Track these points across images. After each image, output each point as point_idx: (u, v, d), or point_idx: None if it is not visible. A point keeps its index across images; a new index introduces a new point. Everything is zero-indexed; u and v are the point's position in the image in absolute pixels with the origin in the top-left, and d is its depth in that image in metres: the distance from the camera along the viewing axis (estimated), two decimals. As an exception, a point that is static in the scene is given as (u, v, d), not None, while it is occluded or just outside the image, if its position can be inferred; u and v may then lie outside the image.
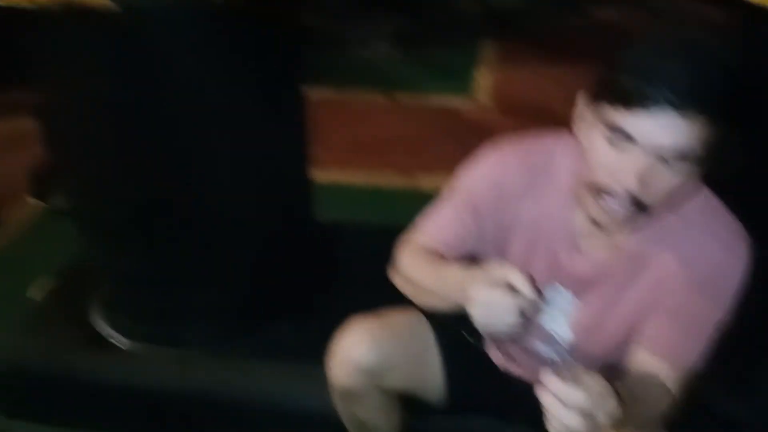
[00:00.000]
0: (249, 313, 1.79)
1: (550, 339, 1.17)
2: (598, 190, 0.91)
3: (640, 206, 0.89)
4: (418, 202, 1.28)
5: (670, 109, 0.81)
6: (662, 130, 0.82)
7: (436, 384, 1.31)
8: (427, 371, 1.30)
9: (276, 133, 1.65)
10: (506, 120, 2.96)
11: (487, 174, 1.12)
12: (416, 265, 1.16)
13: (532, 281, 0.91)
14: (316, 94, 3.44)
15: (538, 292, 0.90)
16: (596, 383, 0.79)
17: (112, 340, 1.79)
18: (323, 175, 2.82)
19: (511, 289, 0.89)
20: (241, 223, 1.67)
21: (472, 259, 1.17)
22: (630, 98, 0.83)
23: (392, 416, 1.38)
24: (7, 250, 2.45)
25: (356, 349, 1.20)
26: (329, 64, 3.57)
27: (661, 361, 1.01)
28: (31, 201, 2.61)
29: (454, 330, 1.28)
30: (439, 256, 1.15)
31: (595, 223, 1.00)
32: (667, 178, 0.87)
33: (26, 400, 1.81)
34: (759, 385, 1.51)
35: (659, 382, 1.00)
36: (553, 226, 1.09)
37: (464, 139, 1.18)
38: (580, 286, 1.09)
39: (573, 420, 0.76)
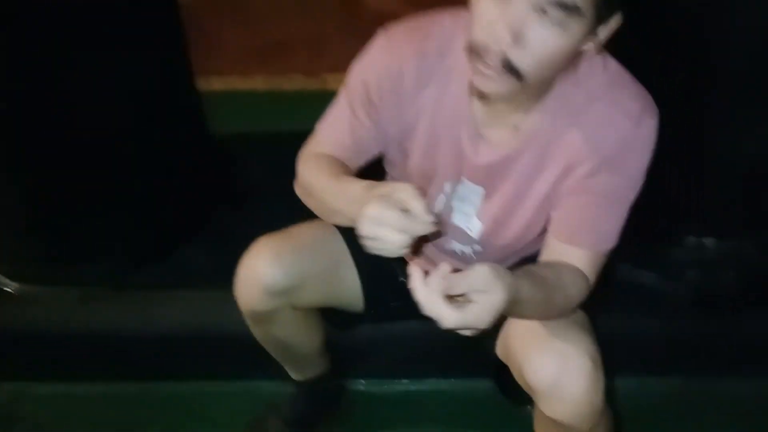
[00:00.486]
0: (148, 242, 1.70)
1: (462, 236, 1.14)
2: (476, 52, 0.83)
3: (513, 70, 0.81)
4: (325, 104, 1.16)
5: None
6: None
7: (355, 295, 1.27)
8: (343, 284, 1.25)
9: (147, 45, 1.49)
10: (416, 7, 2.78)
11: (379, 64, 1.01)
12: (315, 178, 1.07)
13: (429, 203, 0.86)
14: None
15: (434, 215, 0.83)
16: (481, 273, 0.78)
17: (3, 287, 1.67)
18: (222, 82, 2.71)
19: (406, 210, 0.82)
20: (125, 145, 1.54)
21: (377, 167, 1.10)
22: None
23: (312, 331, 1.34)
24: None
25: (262, 270, 1.12)
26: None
27: (574, 247, 1.00)
28: None
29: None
30: (340, 165, 1.07)
31: (481, 95, 0.93)
32: (547, 37, 0.79)
33: None
34: (668, 255, 1.54)
35: (573, 267, 0.99)
36: (455, 115, 1.01)
37: (371, 32, 1.04)
38: (487, 177, 1.04)
39: (448, 313, 0.77)
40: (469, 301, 0.78)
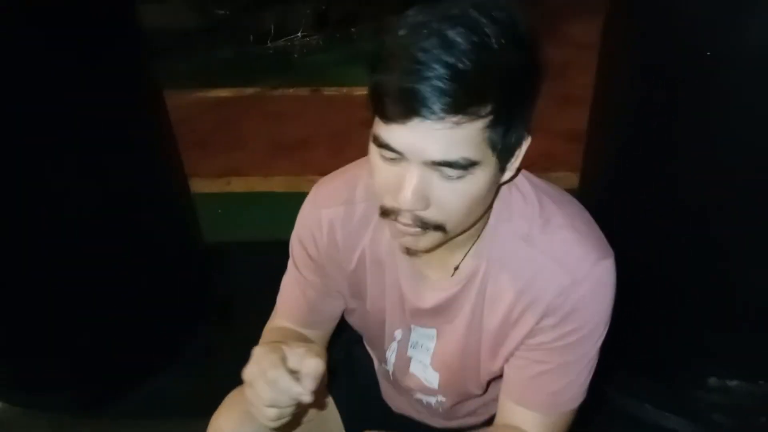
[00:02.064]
0: (123, 369, 1.63)
1: (422, 387, 1.04)
2: (387, 213, 0.79)
3: (429, 226, 0.77)
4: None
5: (428, 118, 0.69)
6: (424, 140, 0.70)
7: None
8: None
9: (134, 149, 1.46)
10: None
11: (311, 220, 0.98)
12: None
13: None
14: (236, 93, 3.44)
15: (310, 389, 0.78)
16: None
17: None
18: (243, 183, 2.71)
19: (294, 372, 0.78)
20: (104, 264, 1.48)
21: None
22: (384, 108, 0.71)
23: None
24: None
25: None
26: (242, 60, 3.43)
27: (525, 408, 0.90)
28: None
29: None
30: (290, 335, 1.04)
31: (411, 253, 0.88)
32: (452, 191, 0.74)
33: None
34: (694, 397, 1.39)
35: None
36: (392, 260, 0.95)
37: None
38: (435, 320, 0.95)
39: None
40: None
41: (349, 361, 1.21)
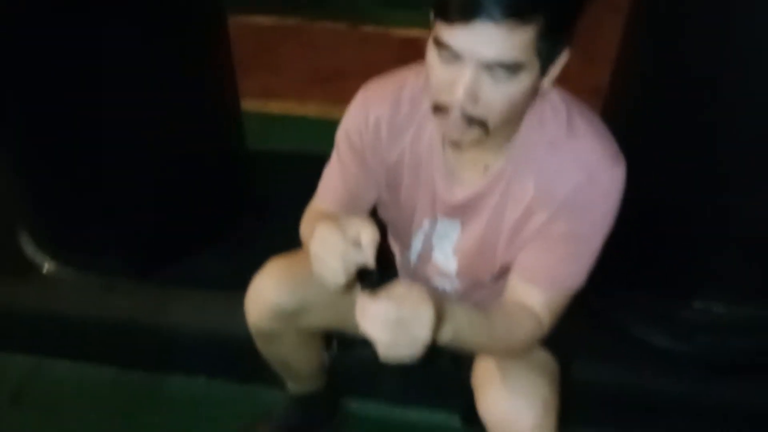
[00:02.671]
0: (172, 242, 1.79)
1: (442, 273, 1.18)
2: (438, 109, 0.90)
3: (475, 122, 0.87)
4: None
5: (487, 20, 0.78)
6: (482, 41, 0.80)
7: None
8: (350, 312, 1.28)
9: (197, 67, 1.62)
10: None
11: (359, 117, 1.08)
12: (305, 232, 1.15)
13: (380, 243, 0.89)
14: (276, 22, 3.53)
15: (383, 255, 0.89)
16: (408, 295, 0.81)
17: (37, 264, 1.79)
18: (279, 106, 2.85)
19: (355, 244, 0.87)
20: (164, 150, 1.64)
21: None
22: (448, 11, 0.81)
23: (312, 353, 1.38)
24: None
25: (270, 293, 1.18)
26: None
27: (531, 285, 1.03)
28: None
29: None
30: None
31: (454, 144, 1.00)
32: (498, 91, 0.84)
33: None
34: (679, 316, 1.51)
35: (524, 306, 1.03)
36: (429, 159, 1.07)
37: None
38: (461, 214, 1.08)
39: (385, 332, 0.79)
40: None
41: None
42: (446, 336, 0.87)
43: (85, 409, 1.69)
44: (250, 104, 2.80)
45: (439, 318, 0.84)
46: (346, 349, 1.48)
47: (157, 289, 1.71)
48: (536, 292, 1.02)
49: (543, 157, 0.98)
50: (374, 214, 1.22)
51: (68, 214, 1.70)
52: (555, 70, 0.89)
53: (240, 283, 1.24)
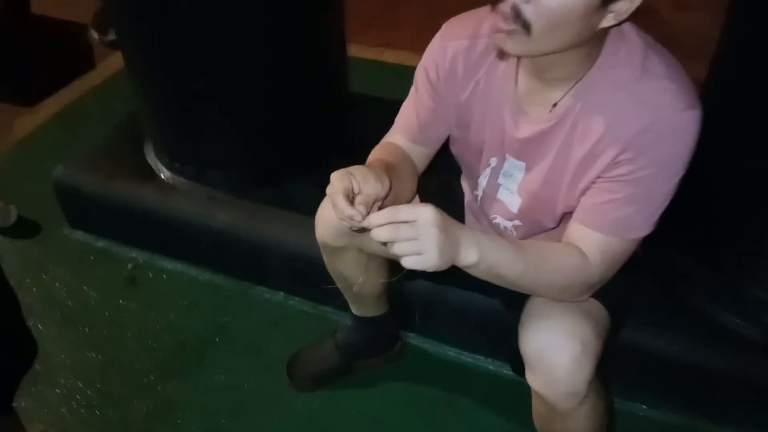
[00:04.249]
0: (269, 168, 1.94)
1: (505, 211, 1.20)
2: (494, 4, 0.89)
3: (520, 20, 0.86)
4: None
5: None
6: None
7: None
8: None
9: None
10: None
11: (437, 51, 1.12)
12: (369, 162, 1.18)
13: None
14: None
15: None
16: (424, 214, 0.86)
17: (159, 172, 2.03)
18: (394, 55, 2.93)
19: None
20: (276, 85, 1.77)
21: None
22: None
23: (372, 274, 1.44)
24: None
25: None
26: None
27: (588, 228, 1.01)
28: (93, 33, 3.03)
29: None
30: (396, 154, 1.19)
31: (500, 53, 0.99)
32: None
33: (88, 214, 2.11)
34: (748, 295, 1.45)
35: (575, 248, 1.01)
36: (501, 93, 1.08)
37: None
38: (526, 152, 1.09)
39: (403, 247, 0.86)
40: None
41: (444, 190, 1.39)
42: (470, 258, 0.91)
43: (181, 300, 1.90)
44: (367, 52, 2.94)
45: (457, 237, 0.88)
46: (407, 279, 1.54)
47: (253, 206, 1.87)
48: (590, 233, 1.01)
49: (612, 97, 0.95)
50: (447, 151, 1.27)
51: (185, 132, 1.90)
52: (620, 4, 0.86)
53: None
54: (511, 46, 0.91)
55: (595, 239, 1.01)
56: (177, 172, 1.97)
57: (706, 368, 1.47)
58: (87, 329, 1.85)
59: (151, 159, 2.05)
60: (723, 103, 1.35)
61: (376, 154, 1.21)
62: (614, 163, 0.97)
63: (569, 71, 0.98)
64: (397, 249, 0.87)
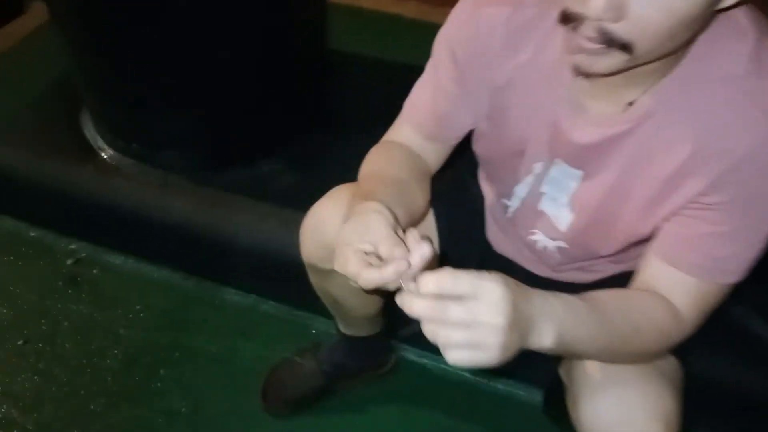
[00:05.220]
0: (234, 146, 1.66)
1: (548, 227, 0.97)
2: (567, 19, 0.68)
3: (615, 43, 0.65)
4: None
5: None
6: None
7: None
8: None
9: None
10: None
11: (466, 21, 0.86)
12: (360, 176, 0.95)
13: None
14: None
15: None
16: (490, 294, 0.61)
17: (100, 151, 1.71)
18: (374, 1, 2.61)
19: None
20: (226, 45, 1.46)
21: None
22: None
23: (368, 301, 1.21)
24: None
25: (328, 224, 1.01)
26: None
27: (676, 270, 0.81)
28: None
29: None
30: (403, 163, 0.96)
31: (584, 75, 0.74)
32: (653, 2, 0.62)
33: (16, 197, 1.80)
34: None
35: (664, 302, 0.81)
36: (552, 83, 0.83)
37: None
38: (586, 160, 0.85)
39: (451, 336, 0.61)
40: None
41: (459, 190, 1.15)
42: (547, 339, 0.67)
43: (132, 302, 1.65)
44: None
45: (528, 316, 0.64)
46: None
47: (214, 192, 1.59)
48: (680, 276, 0.80)
49: (709, 100, 0.73)
50: (466, 148, 1.01)
51: (132, 103, 1.59)
52: None
53: (300, 203, 1.09)
54: (603, 66, 0.69)
55: (687, 285, 0.80)
56: (122, 152, 1.66)
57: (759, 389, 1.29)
58: (20, 342, 1.58)
59: (90, 134, 1.73)
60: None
61: (374, 164, 0.95)
62: (716, 185, 0.74)
63: (654, 64, 0.72)
64: (437, 336, 0.62)
